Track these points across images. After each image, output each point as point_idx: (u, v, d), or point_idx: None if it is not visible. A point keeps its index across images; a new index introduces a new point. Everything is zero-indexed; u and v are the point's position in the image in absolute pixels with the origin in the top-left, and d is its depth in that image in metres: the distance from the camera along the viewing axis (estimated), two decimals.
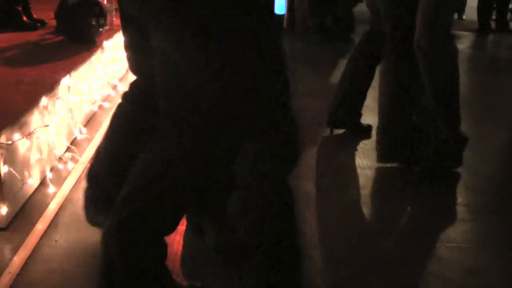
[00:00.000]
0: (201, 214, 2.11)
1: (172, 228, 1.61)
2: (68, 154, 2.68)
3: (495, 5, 6.77)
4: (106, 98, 3.50)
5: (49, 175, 2.48)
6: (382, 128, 2.83)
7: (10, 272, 1.90)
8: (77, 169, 2.63)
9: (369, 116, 3.18)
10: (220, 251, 2.04)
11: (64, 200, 2.39)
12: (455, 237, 2.33)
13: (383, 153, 2.84)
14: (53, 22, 3.67)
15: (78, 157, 2.70)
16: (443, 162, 2.73)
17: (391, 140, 2.80)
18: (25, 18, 3.91)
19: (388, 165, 2.82)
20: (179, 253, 2.06)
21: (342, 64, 4.61)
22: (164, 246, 1.72)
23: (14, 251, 2.00)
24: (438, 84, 2.68)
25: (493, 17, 6.83)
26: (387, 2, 2.82)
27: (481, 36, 6.50)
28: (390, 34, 2.80)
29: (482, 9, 6.67)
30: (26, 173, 2.30)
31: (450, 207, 2.57)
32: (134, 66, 1.72)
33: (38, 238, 2.10)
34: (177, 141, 1.51)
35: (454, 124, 2.72)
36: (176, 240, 2.11)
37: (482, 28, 6.65)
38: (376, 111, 2.89)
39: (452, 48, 2.69)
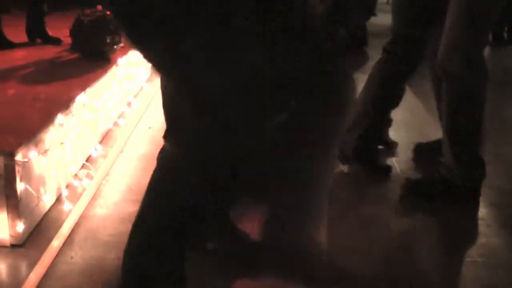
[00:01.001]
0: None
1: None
2: (84, 171, 2.70)
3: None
4: (121, 115, 3.53)
5: (65, 192, 2.50)
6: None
7: None
8: (92, 186, 2.65)
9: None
10: (236, 256, 2.07)
11: (80, 217, 2.41)
12: (472, 251, 2.32)
13: None
14: (69, 40, 3.71)
15: (93, 174, 2.72)
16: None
17: None
18: None
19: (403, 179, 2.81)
20: None
21: (355, 77, 4.61)
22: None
23: (30, 268, 2.01)
24: (455, 115, 2.59)
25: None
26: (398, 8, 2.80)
27: (494, 48, 6.48)
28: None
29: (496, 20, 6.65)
30: (42, 190, 2.32)
31: (466, 222, 2.55)
32: None
33: (54, 255, 2.12)
34: None
35: (468, 164, 2.62)
36: None
37: (495, 40, 6.63)
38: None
39: (479, 75, 2.54)
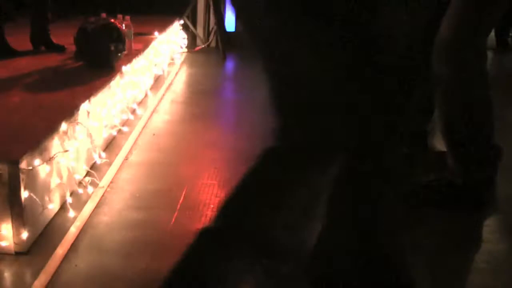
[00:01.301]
0: None
1: None
2: (88, 179, 2.70)
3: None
4: (125, 123, 3.54)
5: (69, 199, 2.50)
6: None
7: None
8: (96, 194, 2.65)
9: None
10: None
11: (84, 225, 2.41)
12: (475, 257, 2.31)
13: None
14: (73, 48, 3.72)
15: (97, 182, 2.72)
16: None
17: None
18: None
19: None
20: None
21: None
22: None
23: (35, 275, 2.01)
24: (450, 116, 2.57)
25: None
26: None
27: (499, 54, 6.48)
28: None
29: (500, 26, 6.65)
30: (47, 198, 2.33)
31: (470, 228, 2.55)
32: None
33: (59, 263, 2.12)
34: None
35: (470, 167, 2.59)
36: None
37: (500, 45, 6.63)
38: None
39: (471, 74, 2.49)
